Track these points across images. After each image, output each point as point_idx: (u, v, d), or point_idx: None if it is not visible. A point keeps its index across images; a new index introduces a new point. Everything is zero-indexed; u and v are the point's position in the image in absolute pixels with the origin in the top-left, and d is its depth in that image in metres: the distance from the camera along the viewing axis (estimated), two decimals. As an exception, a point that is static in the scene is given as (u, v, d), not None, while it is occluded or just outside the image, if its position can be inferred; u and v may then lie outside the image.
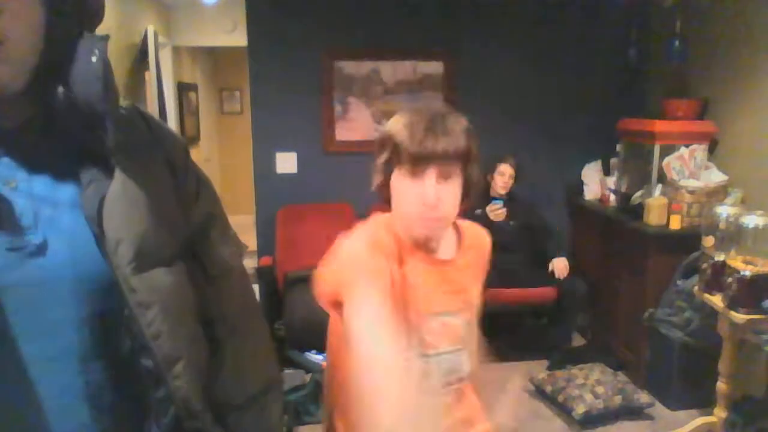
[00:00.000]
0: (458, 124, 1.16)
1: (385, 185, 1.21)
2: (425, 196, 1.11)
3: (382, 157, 1.20)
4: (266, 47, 3.79)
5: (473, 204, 1.28)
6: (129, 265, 0.72)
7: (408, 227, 1.17)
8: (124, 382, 0.76)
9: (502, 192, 3.63)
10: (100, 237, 0.71)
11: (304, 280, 3.48)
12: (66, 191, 0.73)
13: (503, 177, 3.63)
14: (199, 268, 0.86)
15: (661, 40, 3.64)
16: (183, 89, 5.85)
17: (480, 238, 1.31)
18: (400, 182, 1.15)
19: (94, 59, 0.70)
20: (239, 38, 4.23)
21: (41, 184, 0.72)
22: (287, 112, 3.87)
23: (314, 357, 3.32)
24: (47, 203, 0.71)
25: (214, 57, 7.30)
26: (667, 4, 3.56)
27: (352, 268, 1.13)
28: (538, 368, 3.40)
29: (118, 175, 0.73)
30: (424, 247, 1.20)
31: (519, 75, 3.92)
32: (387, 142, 1.19)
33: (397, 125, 1.18)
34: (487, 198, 3.63)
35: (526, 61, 3.88)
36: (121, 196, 0.73)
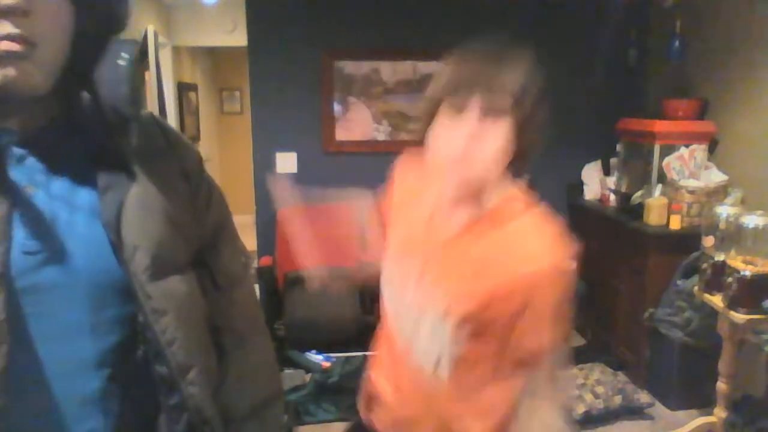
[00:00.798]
0: (520, 59, 1.00)
1: (429, 122, 1.04)
2: (462, 132, 0.94)
3: (434, 88, 1.05)
4: (266, 47, 3.79)
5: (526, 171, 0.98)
6: (145, 272, 0.72)
7: (438, 166, 1.02)
8: (138, 388, 0.76)
9: None
10: (117, 243, 0.71)
11: (304, 280, 3.49)
12: (84, 195, 0.73)
13: None
14: (208, 277, 0.86)
15: (661, 40, 3.64)
16: (183, 89, 5.85)
17: (521, 256, 0.99)
18: (443, 116, 0.99)
19: (121, 63, 0.71)
20: (239, 38, 4.23)
21: (60, 187, 0.72)
22: (287, 112, 3.87)
23: (314, 357, 3.33)
24: (65, 207, 0.71)
25: (214, 57, 7.29)
26: (667, 4, 3.56)
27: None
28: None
29: (138, 181, 0.74)
30: (446, 190, 1.05)
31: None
32: (440, 71, 1.05)
33: (454, 56, 1.05)
34: None
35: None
36: (139, 202, 0.73)
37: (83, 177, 0.73)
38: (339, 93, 3.90)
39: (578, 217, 4.03)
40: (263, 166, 3.90)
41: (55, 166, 0.72)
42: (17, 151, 0.70)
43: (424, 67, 3.92)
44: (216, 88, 7.53)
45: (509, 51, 1.00)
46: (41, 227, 0.69)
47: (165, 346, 0.73)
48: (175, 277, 0.76)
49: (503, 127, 0.95)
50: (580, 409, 2.85)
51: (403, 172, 1.23)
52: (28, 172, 0.70)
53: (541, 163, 4.10)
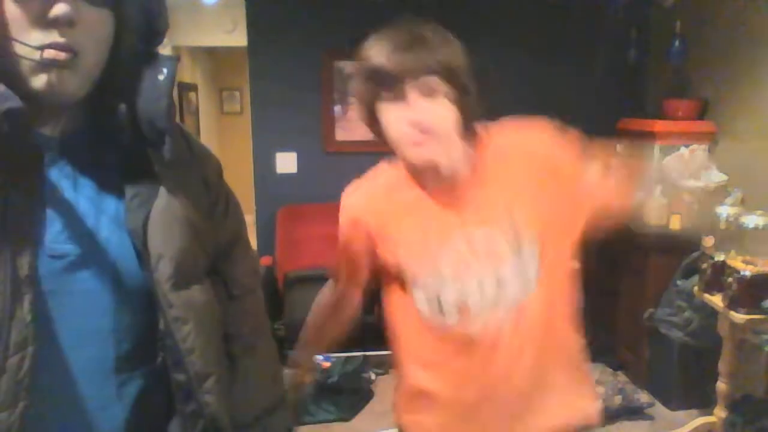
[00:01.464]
0: (435, 34, 1.13)
1: (374, 120, 1.15)
2: (408, 117, 1.04)
3: (362, 87, 1.13)
4: (266, 47, 3.79)
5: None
6: (168, 280, 0.74)
7: (405, 157, 1.11)
8: (154, 393, 0.79)
9: None
10: (141, 251, 0.73)
11: (304, 280, 3.49)
12: (111, 203, 0.75)
13: None
14: (222, 285, 0.88)
15: (661, 40, 3.64)
16: (183, 89, 5.85)
17: (519, 140, 1.18)
18: (384, 110, 1.08)
19: (161, 77, 0.73)
20: (239, 38, 4.23)
21: (88, 193, 0.73)
22: (287, 112, 3.87)
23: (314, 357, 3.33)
24: (93, 213, 0.73)
25: (214, 57, 7.29)
26: (667, 4, 3.56)
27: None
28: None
29: (164, 191, 0.75)
30: (434, 176, 1.12)
31: (518, 75, 3.92)
32: (361, 68, 1.12)
33: (368, 49, 1.12)
34: None
35: (525, 61, 3.88)
36: (165, 212, 0.75)
37: (112, 185, 0.75)
38: (339, 93, 3.90)
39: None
40: (263, 166, 3.90)
41: (85, 172, 0.74)
42: (51, 155, 0.71)
43: (424, 67, 3.92)
44: (216, 88, 7.53)
45: (419, 30, 1.14)
46: (69, 231, 0.70)
47: (185, 354, 0.75)
48: (196, 287, 0.78)
49: (444, 100, 1.05)
50: (580, 409, 2.85)
51: (364, 203, 1.26)
52: (58, 176, 0.72)
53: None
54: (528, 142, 1.18)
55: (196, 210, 0.80)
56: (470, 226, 1.12)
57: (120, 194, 0.74)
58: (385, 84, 1.05)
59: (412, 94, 1.03)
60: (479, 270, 1.11)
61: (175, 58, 0.77)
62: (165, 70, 0.74)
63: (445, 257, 1.13)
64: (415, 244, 1.15)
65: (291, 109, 3.87)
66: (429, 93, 1.04)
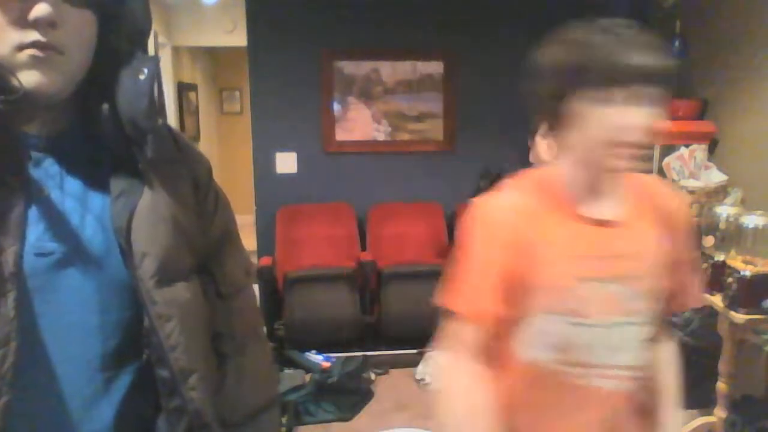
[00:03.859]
0: (658, 41, 1.01)
1: (557, 118, 1.03)
2: (641, 123, 0.93)
3: (554, 82, 1.05)
4: (266, 47, 3.80)
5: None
6: (152, 278, 0.74)
7: (603, 165, 0.99)
8: (139, 389, 0.79)
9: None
10: (126, 249, 0.74)
11: (304, 280, 3.50)
12: (96, 201, 0.75)
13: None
14: (212, 284, 0.88)
15: (661, 40, 3.64)
16: (183, 89, 5.85)
17: (649, 186, 1.11)
18: (589, 108, 0.96)
19: (142, 77, 0.73)
20: (239, 38, 4.23)
21: (73, 191, 0.74)
22: (287, 112, 3.87)
23: (314, 357, 3.33)
24: (77, 211, 0.74)
25: (214, 57, 7.30)
26: (667, 4, 3.56)
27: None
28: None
29: (149, 189, 0.76)
30: (585, 198, 1.03)
31: (519, 75, 3.92)
32: (565, 62, 1.04)
33: (580, 41, 1.03)
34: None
35: (525, 61, 3.88)
36: (149, 210, 0.75)
37: (97, 183, 0.76)
38: (339, 93, 3.90)
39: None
40: (263, 166, 3.90)
41: (71, 170, 0.75)
42: (36, 154, 0.72)
43: (424, 67, 3.92)
44: (216, 88, 7.53)
45: (643, 34, 1.04)
46: (54, 229, 0.71)
47: (168, 350, 0.76)
48: (180, 284, 0.78)
49: (658, 111, 0.97)
50: (580, 409, 2.84)
51: (513, 219, 1.04)
52: (44, 175, 0.72)
53: (541, 163, 4.03)
54: (670, 201, 1.11)
55: (183, 208, 0.80)
56: (620, 266, 1.02)
57: (107, 193, 0.75)
58: (627, 83, 0.93)
59: (647, 100, 0.94)
60: (615, 317, 1.01)
61: (157, 59, 0.77)
62: (146, 70, 0.74)
63: (589, 294, 1.00)
64: (561, 271, 1.00)
65: (291, 109, 3.87)
66: (654, 102, 0.95)
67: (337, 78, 3.88)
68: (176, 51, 5.55)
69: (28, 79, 0.66)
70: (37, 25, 0.65)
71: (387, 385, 3.30)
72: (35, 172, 0.72)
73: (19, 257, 0.67)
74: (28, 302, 0.69)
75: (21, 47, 0.65)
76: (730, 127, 3.23)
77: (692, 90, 3.50)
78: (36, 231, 0.70)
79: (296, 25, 3.80)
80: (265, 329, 1.02)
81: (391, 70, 3.91)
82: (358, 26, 3.83)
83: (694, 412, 2.92)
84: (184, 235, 0.80)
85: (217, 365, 0.87)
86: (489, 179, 3.32)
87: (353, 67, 3.89)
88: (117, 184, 0.75)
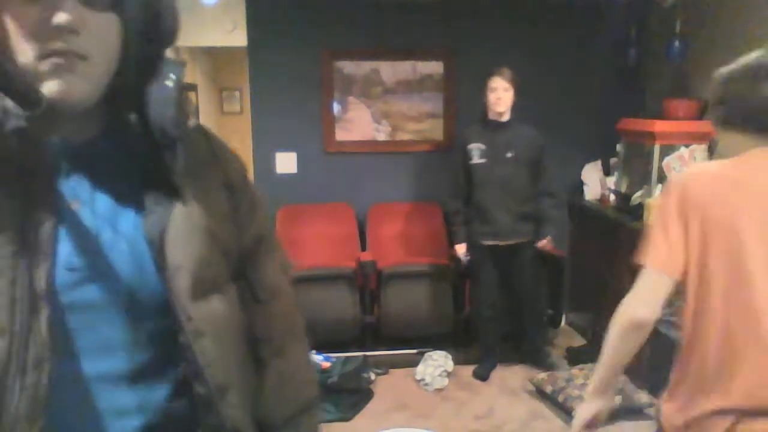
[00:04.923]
0: None
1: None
2: None
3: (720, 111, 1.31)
4: (266, 47, 3.79)
5: None
6: (186, 292, 0.72)
7: None
8: (180, 404, 0.77)
9: (500, 110, 3.13)
10: (160, 262, 0.72)
11: (303, 280, 3.49)
12: (128, 213, 0.73)
13: (495, 93, 3.12)
14: (248, 289, 0.86)
15: (661, 40, 3.64)
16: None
17: None
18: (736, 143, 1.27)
19: (169, 84, 0.72)
20: (239, 38, 4.23)
21: (104, 203, 0.72)
22: (287, 112, 3.87)
23: (314, 357, 3.33)
24: (109, 224, 0.71)
25: (214, 57, 7.29)
26: (667, 4, 3.56)
27: None
28: (539, 369, 3.41)
29: (182, 199, 0.74)
30: None
31: (519, 75, 3.92)
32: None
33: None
34: (485, 123, 3.24)
35: (525, 61, 3.88)
36: (183, 221, 0.73)
37: (128, 194, 0.73)
38: (339, 93, 3.90)
39: (578, 217, 4.04)
40: (263, 166, 3.90)
41: (101, 182, 0.72)
42: (65, 165, 0.71)
43: (424, 67, 3.92)
44: (216, 88, 7.53)
45: None
46: (85, 244, 0.69)
47: (204, 366, 0.73)
48: (215, 297, 0.76)
49: None
50: (580, 409, 2.85)
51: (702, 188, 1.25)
52: (73, 188, 0.71)
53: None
54: None
55: (217, 216, 0.78)
56: None
57: (139, 204, 0.73)
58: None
59: None
60: None
61: (182, 63, 0.75)
62: (173, 76, 0.73)
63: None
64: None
65: (291, 109, 3.87)
66: None
67: (337, 78, 3.88)
68: (176, 51, 5.55)
69: (52, 88, 0.64)
70: (58, 32, 0.63)
71: (387, 385, 3.30)
72: (64, 185, 0.70)
73: (51, 275, 0.65)
74: (60, 320, 0.67)
75: (42, 56, 0.63)
76: (730, 127, 3.22)
77: (692, 90, 3.50)
78: (66, 246, 0.68)
79: (296, 25, 3.80)
80: (304, 327, 0.98)
81: (391, 70, 3.91)
82: (358, 26, 3.83)
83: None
84: (219, 244, 0.77)
85: (256, 371, 0.86)
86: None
87: (353, 67, 3.89)
88: (149, 195, 0.73)
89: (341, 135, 3.94)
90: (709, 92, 1.38)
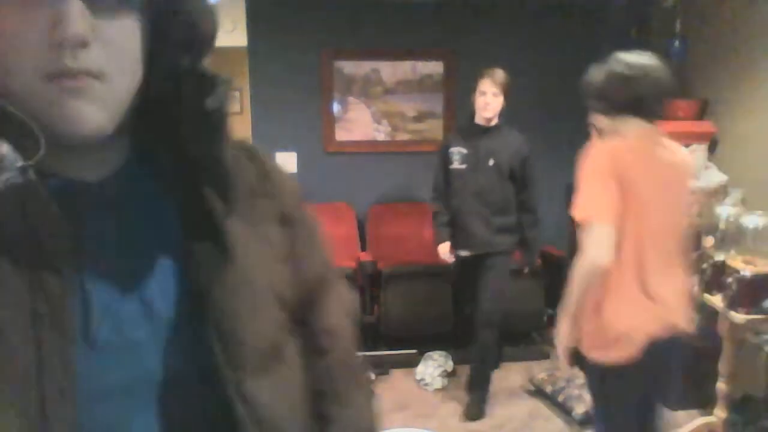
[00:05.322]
0: None
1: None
2: None
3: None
4: (266, 47, 3.80)
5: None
6: (238, 368, 0.58)
7: None
8: None
9: (488, 116, 2.92)
10: (204, 331, 0.57)
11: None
12: (161, 269, 0.58)
13: (484, 97, 2.90)
14: (308, 338, 0.73)
15: (661, 40, 3.64)
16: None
17: None
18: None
19: (211, 104, 0.57)
20: (239, 38, 4.23)
21: (130, 257, 0.57)
22: (287, 112, 3.88)
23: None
24: (137, 284, 0.57)
25: (214, 57, 7.27)
26: (667, 4, 3.56)
27: None
28: (538, 368, 3.41)
29: (231, 249, 0.59)
30: None
31: (519, 75, 3.92)
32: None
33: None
34: (471, 126, 3.02)
35: (525, 62, 3.88)
36: (233, 278, 0.59)
37: (161, 245, 0.59)
38: (339, 93, 3.90)
39: (578, 217, 4.03)
40: (263, 166, 3.90)
41: (125, 230, 0.58)
42: (77, 213, 0.55)
43: (424, 67, 3.92)
44: (216, 88, 7.54)
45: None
46: (111, 317, 0.55)
47: None
48: (275, 368, 0.63)
49: None
50: (580, 409, 2.85)
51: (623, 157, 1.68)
52: (96, 241, 0.56)
53: (541, 163, 4.10)
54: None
55: (273, 263, 0.65)
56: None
57: (174, 258, 0.59)
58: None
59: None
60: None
61: (228, 80, 0.60)
62: (216, 94, 0.58)
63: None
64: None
65: (291, 109, 3.87)
66: None
67: (337, 78, 3.88)
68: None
69: (62, 115, 0.50)
70: (65, 47, 0.49)
71: (387, 385, 3.30)
72: (88, 233, 0.55)
73: (72, 359, 0.51)
74: (86, 413, 0.52)
75: (46, 77, 0.49)
76: (730, 127, 3.23)
77: (692, 90, 3.50)
78: (90, 319, 0.54)
79: (296, 25, 3.80)
80: (368, 376, 0.87)
81: (391, 70, 3.91)
82: (358, 26, 3.83)
83: (694, 412, 2.92)
84: (278, 298, 0.64)
85: (321, 428, 0.73)
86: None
87: (353, 67, 3.89)
88: (186, 244, 0.58)
89: (341, 135, 3.94)
90: (590, 87, 1.86)
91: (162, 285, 0.58)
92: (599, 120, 1.83)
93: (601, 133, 1.84)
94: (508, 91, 2.94)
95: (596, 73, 1.87)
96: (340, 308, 0.79)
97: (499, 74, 2.91)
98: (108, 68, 0.52)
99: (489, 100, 2.89)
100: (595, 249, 1.62)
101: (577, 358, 1.94)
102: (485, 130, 2.97)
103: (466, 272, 3.12)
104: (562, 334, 1.77)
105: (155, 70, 0.57)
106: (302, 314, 0.72)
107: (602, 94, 1.80)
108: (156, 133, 0.60)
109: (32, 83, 0.50)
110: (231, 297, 0.59)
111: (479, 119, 2.97)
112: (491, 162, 2.95)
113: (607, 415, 1.81)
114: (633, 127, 1.73)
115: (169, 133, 0.59)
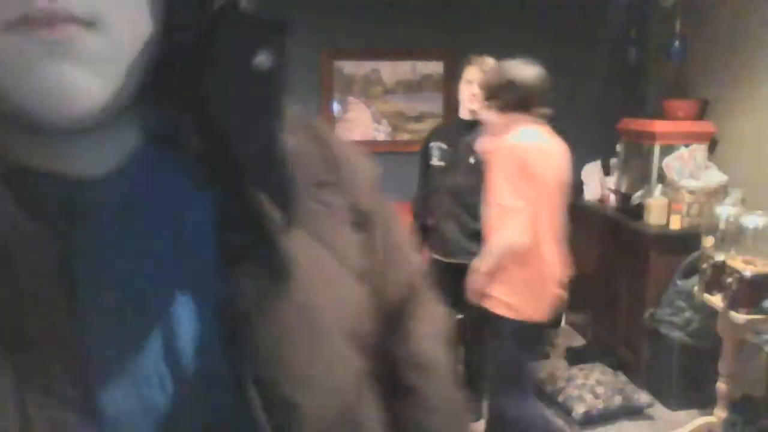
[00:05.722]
0: None
1: None
2: None
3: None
4: (266, 47, 3.80)
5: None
6: (304, 422, 0.41)
7: None
8: None
9: (473, 107, 2.56)
10: (253, 375, 0.40)
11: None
12: (186, 301, 0.41)
13: (470, 87, 2.59)
14: (388, 372, 0.56)
15: (661, 40, 3.64)
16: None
17: None
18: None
19: (259, 66, 0.41)
20: (239, 38, 4.24)
21: (144, 284, 0.40)
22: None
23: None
24: (154, 323, 0.40)
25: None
26: (667, 4, 3.56)
27: None
28: (538, 368, 3.40)
29: (287, 272, 0.42)
30: None
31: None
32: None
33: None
34: (455, 120, 2.78)
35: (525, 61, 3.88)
36: (288, 315, 0.42)
37: (190, 266, 0.42)
38: (339, 93, 3.90)
39: (578, 217, 4.03)
40: (263, 166, 3.90)
41: (143, 247, 0.41)
42: (72, 220, 0.39)
43: (424, 67, 3.92)
44: (216, 88, 7.54)
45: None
46: (120, 374, 0.39)
47: None
48: (343, 417, 0.45)
49: None
50: (580, 409, 2.85)
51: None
52: (95, 266, 0.39)
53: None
54: None
55: (346, 288, 0.47)
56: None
57: (211, 280, 0.41)
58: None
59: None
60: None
61: (287, 25, 0.45)
62: (269, 47, 0.42)
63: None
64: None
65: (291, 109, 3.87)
66: None
67: (337, 78, 3.88)
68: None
69: (35, 89, 0.34)
70: None
71: (387, 385, 3.29)
72: (76, 258, 0.38)
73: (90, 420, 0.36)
74: None
75: (5, 26, 0.32)
76: (730, 127, 3.23)
77: (692, 90, 3.50)
78: (88, 372, 0.37)
79: (296, 25, 3.79)
80: (466, 410, 0.67)
81: (391, 70, 3.91)
82: (358, 26, 3.83)
83: (694, 412, 2.92)
84: (351, 335, 0.46)
85: None
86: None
87: (353, 67, 3.89)
88: (221, 263, 0.41)
89: (341, 135, 3.94)
90: (484, 87, 2.22)
91: (188, 325, 0.41)
92: (493, 117, 2.17)
93: (495, 128, 2.15)
94: None
95: (491, 77, 2.23)
96: (433, 331, 0.60)
97: (489, 62, 2.62)
98: (103, 11, 0.34)
99: (476, 91, 2.51)
100: (515, 230, 1.97)
101: (483, 320, 2.23)
102: (469, 125, 2.63)
103: (446, 280, 2.61)
104: (480, 282, 2.14)
105: (176, 13, 0.39)
106: (382, 343, 0.53)
107: (495, 94, 2.14)
108: (179, 108, 0.42)
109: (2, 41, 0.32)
110: (285, 343, 0.41)
111: (464, 112, 2.67)
112: (472, 160, 2.61)
113: (516, 377, 2.11)
114: (522, 123, 2.10)
115: (199, 109, 0.41)
